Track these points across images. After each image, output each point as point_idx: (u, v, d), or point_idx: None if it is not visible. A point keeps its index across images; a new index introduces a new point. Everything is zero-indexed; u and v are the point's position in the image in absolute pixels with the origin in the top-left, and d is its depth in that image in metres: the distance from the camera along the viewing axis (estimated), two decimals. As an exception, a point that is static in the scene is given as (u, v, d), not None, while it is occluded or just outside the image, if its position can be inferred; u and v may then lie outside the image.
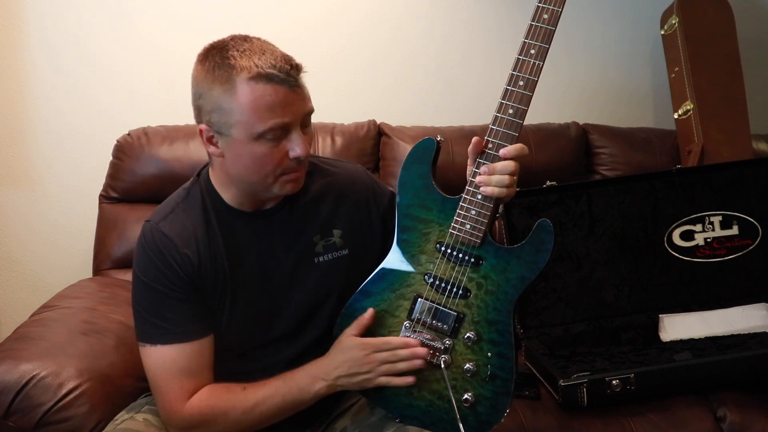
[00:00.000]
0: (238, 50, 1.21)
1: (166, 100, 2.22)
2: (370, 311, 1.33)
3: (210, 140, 1.27)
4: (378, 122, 2.27)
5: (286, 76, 1.19)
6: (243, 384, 1.31)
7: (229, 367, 1.39)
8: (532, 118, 2.37)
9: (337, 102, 2.37)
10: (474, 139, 1.28)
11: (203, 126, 1.26)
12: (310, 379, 1.31)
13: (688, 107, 2.32)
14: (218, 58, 1.22)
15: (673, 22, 2.37)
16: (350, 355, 1.30)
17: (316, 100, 2.46)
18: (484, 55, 2.45)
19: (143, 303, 1.31)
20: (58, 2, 2.19)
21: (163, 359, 1.29)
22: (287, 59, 1.22)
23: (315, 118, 2.16)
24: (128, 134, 2.09)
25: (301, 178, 1.30)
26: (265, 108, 1.19)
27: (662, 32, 2.44)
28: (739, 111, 2.32)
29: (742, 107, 2.32)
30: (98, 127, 2.23)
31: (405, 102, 2.43)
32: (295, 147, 1.23)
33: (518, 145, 1.27)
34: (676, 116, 2.38)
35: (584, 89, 2.57)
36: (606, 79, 2.58)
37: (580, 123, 2.39)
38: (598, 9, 2.54)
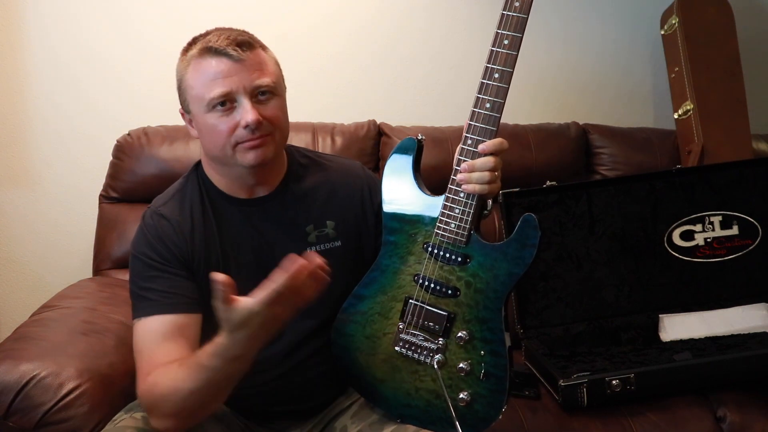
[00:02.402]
0: (202, 36, 1.32)
1: (166, 100, 2.19)
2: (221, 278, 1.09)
3: (190, 123, 1.35)
4: (378, 122, 2.27)
5: (227, 47, 1.27)
6: (181, 360, 1.21)
7: None
8: (532, 118, 2.38)
9: (337, 102, 2.36)
10: None
11: (180, 108, 1.36)
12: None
13: (688, 107, 2.32)
14: (187, 45, 1.33)
15: (673, 22, 2.37)
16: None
17: (316, 100, 2.46)
18: (484, 54, 2.44)
19: (135, 278, 1.33)
20: (58, 2, 2.18)
21: (144, 331, 1.29)
22: (234, 35, 1.29)
23: (315, 118, 2.21)
24: (128, 134, 2.09)
25: (265, 146, 1.30)
26: (209, 79, 1.27)
27: (662, 32, 2.44)
28: (739, 111, 2.32)
29: (742, 107, 2.32)
30: (98, 127, 2.22)
31: (405, 102, 2.43)
32: (244, 115, 1.26)
33: (497, 140, 1.27)
34: (676, 116, 2.38)
35: (584, 89, 2.57)
36: (606, 79, 2.57)
37: (580, 123, 2.39)
38: (598, 9, 2.54)
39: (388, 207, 1.38)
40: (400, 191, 1.37)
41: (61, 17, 2.19)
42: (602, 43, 2.56)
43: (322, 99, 2.33)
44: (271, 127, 1.29)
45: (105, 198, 2.10)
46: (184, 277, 1.32)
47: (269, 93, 1.30)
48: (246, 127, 1.26)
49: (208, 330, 1.37)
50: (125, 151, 2.07)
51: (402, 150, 1.38)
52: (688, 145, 2.32)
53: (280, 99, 1.33)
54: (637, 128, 2.46)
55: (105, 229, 2.07)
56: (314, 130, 2.17)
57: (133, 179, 2.06)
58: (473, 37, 2.44)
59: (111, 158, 2.08)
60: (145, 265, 1.32)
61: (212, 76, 1.27)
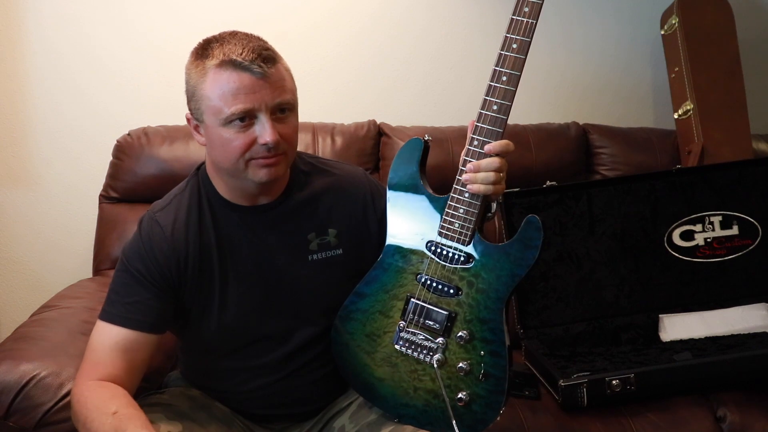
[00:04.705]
0: (218, 41, 1.27)
1: (166, 100, 2.22)
2: None
3: (197, 129, 1.32)
4: (378, 122, 2.27)
5: (251, 63, 1.22)
6: (116, 407, 1.22)
7: (221, 364, 1.39)
8: (532, 118, 2.38)
9: (337, 102, 2.36)
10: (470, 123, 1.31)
11: (187, 114, 1.32)
12: None
13: (688, 107, 2.32)
14: (201, 50, 1.28)
15: (673, 22, 2.37)
16: None
17: (316, 100, 2.46)
18: (484, 54, 2.45)
19: (115, 278, 1.34)
20: (58, 2, 2.18)
21: (101, 333, 1.31)
22: (258, 49, 1.24)
23: (315, 118, 2.21)
24: (128, 134, 2.09)
25: (278, 165, 1.29)
26: (229, 93, 1.23)
27: (662, 32, 2.44)
28: (739, 111, 2.32)
29: (742, 107, 2.32)
30: (98, 127, 2.22)
31: (405, 102, 2.43)
32: (263, 133, 1.24)
33: (503, 141, 1.28)
34: (676, 116, 2.38)
35: (584, 89, 2.57)
36: (606, 79, 2.57)
37: (580, 123, 2.39)
38: (598, 9, 2.54)
39: (392, 205, 1.38)
40: (405, 190, 1.37)
41: (61, 17, 2.19)
42: (602, 43, 2.56)
43: (322, 99, 2.33)
44: (286, 145, 1.28)
45: (105, 198, 2.10)
46: (158, 296, 1.32)
47: (288, 110, 1.28)
48: (264, 144, 1.24)
49: (190, 332, 1.38)
50: (125, 151, 2.07)
51: (408, 150, 1.39)
52: (688, 145, 2.32)
53: (296, 114, 1.32)
54: (637, 128, 2.46)
55: (105, 229, 2.08)
56: (314, 130, 2.17)
57: (133, 179, 2.06)
58: (473, 37, 2.44)
59: (111, 158, 2.08)
60: (126, 273, 1.33)
61: (234, 91, 1.22)
